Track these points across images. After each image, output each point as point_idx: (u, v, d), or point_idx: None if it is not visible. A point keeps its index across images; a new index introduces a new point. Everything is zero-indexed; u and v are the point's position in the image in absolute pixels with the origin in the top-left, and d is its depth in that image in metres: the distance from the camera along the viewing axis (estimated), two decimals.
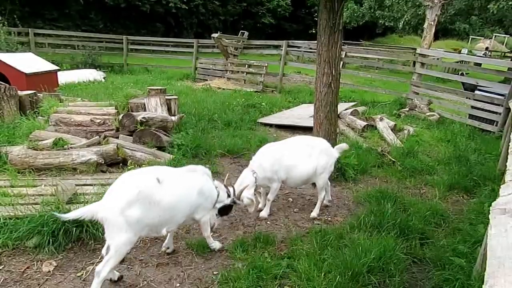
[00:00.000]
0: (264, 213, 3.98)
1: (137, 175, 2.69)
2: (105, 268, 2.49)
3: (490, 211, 1.74)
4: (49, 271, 2.90)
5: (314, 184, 4.19)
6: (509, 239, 1.45)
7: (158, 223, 2.65)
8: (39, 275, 2.86)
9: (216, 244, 3.27)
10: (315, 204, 4.13)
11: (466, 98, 8.83)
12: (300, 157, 3.88)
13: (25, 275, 2.84)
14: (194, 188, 2.91)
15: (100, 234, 3.23)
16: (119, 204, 2.44)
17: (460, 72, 14.44)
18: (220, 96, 9.85)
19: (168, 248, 3.23)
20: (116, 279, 2.83)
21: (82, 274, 2.89)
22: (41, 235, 3.08)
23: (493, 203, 1.81)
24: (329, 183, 4.27)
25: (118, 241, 2.48)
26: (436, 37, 26.66)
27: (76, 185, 3.87)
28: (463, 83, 10.54)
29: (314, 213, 4.07)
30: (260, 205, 4.13)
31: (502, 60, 16.90)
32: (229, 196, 3.28)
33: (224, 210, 3.29)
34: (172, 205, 2.68)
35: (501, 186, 2.03)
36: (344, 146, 4.24)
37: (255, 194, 3.65)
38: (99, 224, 3.25)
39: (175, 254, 3.24)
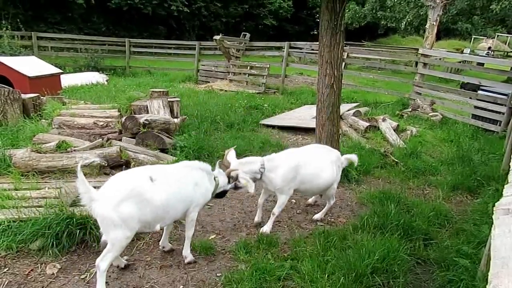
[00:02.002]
0: (266, 228, 3.63)
1: (131, 173, 2.77)
2: (104, 261, 2.56)
3: (494, 212, 1.74)
4: (53, 274, 2.90)
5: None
6: None
7: (151, 219, 2.68)
8: (43, 277, 2.86)
9: (189, 256, 3.14)
10: (319, 205, 4.11)
11: (469, 98, 8.80)
12: (320, 167, 3.71)
13: (29, 277, 2.85)
14: (189, 184, 2.92)
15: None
16: (112, 200, 2.49)
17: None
18: (222, 98, 9.86)
19: (163, 247, 3.25)
20: (123, 266, 2.93)
21: (86, 277, 2.89)
22: (45, 237, 3.09)
23: (496, 204, 1.80)
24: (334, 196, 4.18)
25: (113, 236, 2.53)
26: (438, 37, 26.63)
27: None
28: (463, 83, 10.52)
29: (318, 216, 4.03)
30: (256, 218, 3.87)
31: (504, 60, 16.83)
32: (229, 182, 3.30)
33: (220, 194, 3.31)
34: (165, 202, 2.71)
35: (505, 187, 2.02)
36: (354, 157, 4.10)
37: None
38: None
39: (178, 256, 3.24)
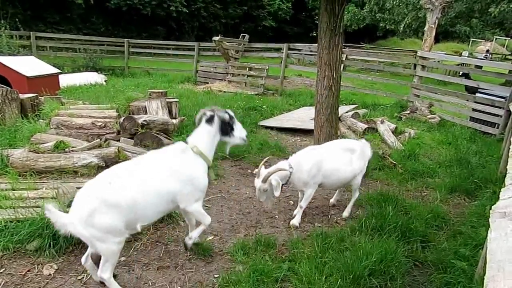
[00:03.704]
0: (295, 221, 3.86)
1: (91, 183, 2.53)
2: (105, 272, 2.53)
3: (490, 215, 1.74)
4: (50, 274, 2.89)
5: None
6: (509, 243, 1.45)
7: (127, 221, 2.49)
8: (39, 278, 2.85)
9: (191, 240, 3.00)
10: (317, 207, 4.12)
11: (467, 100, 8.83)
12: (341, 161, 3.84)
13: (26, 278, 2.84)
14: (165, 173, 2.64)
15: None
16: (81, 219, 2.35)
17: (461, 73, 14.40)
18: (221, 99, 9.86)
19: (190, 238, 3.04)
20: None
21: (83, 277, 2.88)
22: (42, 238, 3.08)
23: (493, 207, 1.80)
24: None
25: (102, 249, 2.46)
26: (437, 39, 26.71)
27: (77, 188, 3.85)
28: (466, 86, 10.55)
29: (346, 213, 4.15)
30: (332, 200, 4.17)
31: (503, 63, 16.89)
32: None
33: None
34: (133, 202, 2.48)
35: (501, 190, 2.02)
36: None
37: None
38: None
39: (176, 257, 3.23)
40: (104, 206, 2.39)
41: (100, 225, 2.38)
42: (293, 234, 3.68)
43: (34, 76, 8.08)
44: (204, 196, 3.00)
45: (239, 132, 3.09)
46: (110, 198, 2.41)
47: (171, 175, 2.68)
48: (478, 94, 8.59)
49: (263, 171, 3.54)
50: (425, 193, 4.94)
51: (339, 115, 5.94)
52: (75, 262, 3.06)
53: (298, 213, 3.90)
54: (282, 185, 3.57)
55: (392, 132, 7.06)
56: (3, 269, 2.91)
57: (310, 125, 6.29)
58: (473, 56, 23.91)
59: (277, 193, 3.48)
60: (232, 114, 3.05)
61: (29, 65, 8.40)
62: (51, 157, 4.43)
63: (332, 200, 4.47)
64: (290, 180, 3.68)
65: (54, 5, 20.34)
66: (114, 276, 2.80)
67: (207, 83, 13.03)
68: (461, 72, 12.97)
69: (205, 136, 2.95)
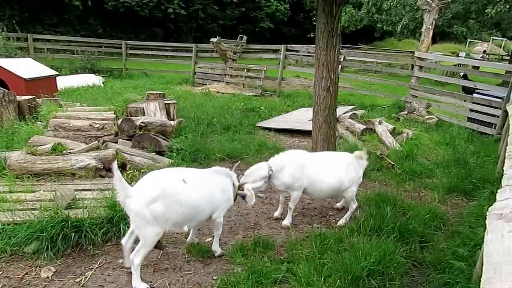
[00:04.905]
0: (286, 222, 3.90)
1: (165, 174, 2.89)
2: (137, 256, 2.70)
3: (487, 216, 1.74)
4: (47, 277, 2.88)
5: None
6: (506, 245, 1.44)
7: (181, 220, 2.79)
8: (37, 281, 2.84)
9: (219, 250, 3.32)
10: (315, 208, 4.10)
11: (464, 101, 8.85)
12: (326, 171, 3.80)
13: (23, 281, 2.83)
14: (217, 189, 3.07)
15: (98, 239, 3.23)
16: (145, 199, 2.61)
17: (460, 74, 14.46)
18: (219, 100, 9.86)
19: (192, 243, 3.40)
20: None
21: (81, 280, 2.87)
22: (40, 240, 3.07)
23: (490, 208, 1.80)
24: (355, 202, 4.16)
25: (145, 232, 2.67)
26: (434, 40, 26.79)
27: (75, 190, 3.87)
28: (463, 86, 10.58)
29: (341, 222, 3.99)
30: (276, 213, 4.09)
31: (499, 63, 16.95)
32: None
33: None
34: (195, 204, 2.84)
35: (498, 191, 2.02)
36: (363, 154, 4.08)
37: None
38: (98, 229, 3.26)
39: (174, 259, 3.23)
40: (170, 198, 2.67)
41: (158, 212, 2.63)
42: (292, 235, 3.68)
43: (32, 78, 8.06)
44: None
45: None
46: (179, 195, 2.72)
47: (221, 191, 3.12)
48: (475, 95, 8.62)
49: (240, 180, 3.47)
50: (423, 194, 4.95)
51: (337, 116, 5.95)
52: (73, 265, 3.05)
53: (288, 214, 3.93)
54: (262, 185, 3.61)
55: (390, 133, 7.08)
56: (1, 272, 2.90)
57: (308, 126, 6.30)
58: (470, 56, 23.98)
59: (250, 203, 3.39)
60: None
61: (26, 67, 8.37)
62: (49, 160, 4.42)
63: (338, 204, 4.45)
64: (271, 181, 3.68)
65: (52, 7, 20.29)
66: (113, 282, 2.80)
67: (205, 84, 13.03)
68: (462, 74, 13.03)
69: None
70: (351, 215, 4.05)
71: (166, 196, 2.66)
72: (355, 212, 4.10)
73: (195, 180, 2.90)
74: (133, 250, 2.77)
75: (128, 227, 2.94)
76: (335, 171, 3.82)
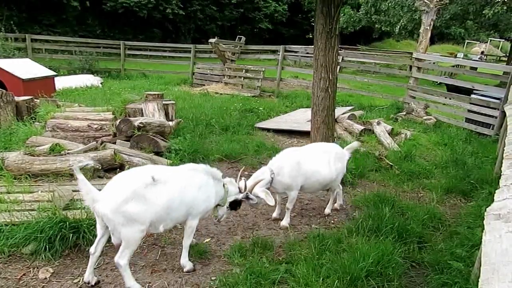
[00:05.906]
0: (284, 223, 3.91)
1: (133, 173, 2.74)
2: (122, 258, 2.60)
3: (485, 217, 1.74)
4: (45, 278, 2.87)
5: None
6: (503, 245, 1.44)
7: (155, 219, 2.67)
8: (35, 282, 2.83)
9: (188, 264, 3.07)
10: (314, 209, 4.11)
11: (461, 101, 8.88)
12: (320, 163, 3.89)
13: (21, 282, 2.82)
14: (192, 186, 2.89)
15: None
16: (114, 203, 2.48)
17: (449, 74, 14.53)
18: (217, 101, 9.85)
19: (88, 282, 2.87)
20: (93, 283, 2.80)
21: (79, 281, 2.87)
22: (38, 241, 3.06)
23: (487, 209, 1.80)
24: (340, 186, 4.32)
25: (125, 233, 2.55)
26: (432, 41, 26.88)
27: (73, 191, 3.85)
28: (447, 85, 10.75)
29: (328, 210, 4.22)
30: (274, 214, 4.11)
31: (497, 64, 17.01)
32: (241, 191, 3.31)
33: (233, 204, 3.30)
34: (166, 202, 2.68)
35: (496, 191, 2.02)
36: (355, 144, 4.39)
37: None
38: (96, 230, 3.24)
39: (173, 260, 3.22)
40: (140, 198, 2.55)
41: (131, 212, 2.51)
42: (290, 236, 3.68)
43: (30, 78, 8.04)
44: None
45: None
46: (149, 194, 2.59)
47: (198, 190, 2.94)
48: (473, 96, 8.64)
49: (242, 184, 3.42)
50: (421, 194, 4.96)
51: (335, 117, 5.96)
52: (71, 266, 3.04)
53: (286, 214, 3.94)
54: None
55: (388, 134, 7.09)
56: None
57: (307, 127, 6.31)
58: (468, 57, 24.06)
59: (271, 202, 3.37)
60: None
61: (24, 68, 8.35)
62: (47, 160, 4.41)
63: (336, 205, 4.46)
64: (272, 185, 3.69)
65: (50, 7, 20.27)
66: (111, 282, 2.80)
67: (204, 85, 13.02)
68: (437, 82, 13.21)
69: None
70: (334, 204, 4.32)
71: (136, 197, 2.53)
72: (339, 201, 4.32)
73: (165, 177, 2.73)
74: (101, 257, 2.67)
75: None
76: (329, 162, 3.95)
